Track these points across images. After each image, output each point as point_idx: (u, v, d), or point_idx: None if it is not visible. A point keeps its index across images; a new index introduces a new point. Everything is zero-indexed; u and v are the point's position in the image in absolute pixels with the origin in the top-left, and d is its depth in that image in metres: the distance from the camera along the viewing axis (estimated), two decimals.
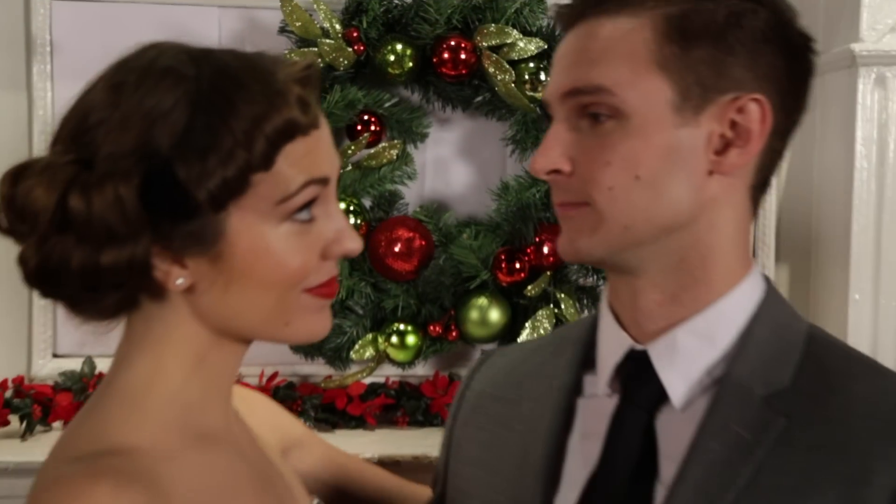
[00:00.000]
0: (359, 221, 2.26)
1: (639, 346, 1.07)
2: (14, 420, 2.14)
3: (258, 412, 1.16)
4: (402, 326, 2.29)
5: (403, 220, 2.32)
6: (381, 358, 2.30)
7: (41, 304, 2.30)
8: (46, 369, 2.29)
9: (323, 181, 0.97)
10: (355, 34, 2.23)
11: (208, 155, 0.89)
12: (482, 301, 2.24)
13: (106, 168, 0.89)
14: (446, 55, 2.22)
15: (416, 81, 2.33)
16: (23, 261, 0.93)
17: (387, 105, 2.31)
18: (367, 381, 2.31)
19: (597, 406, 1.11)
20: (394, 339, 2.28)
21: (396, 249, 2.27)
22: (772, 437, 1.01)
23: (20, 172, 0.91)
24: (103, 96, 0.92)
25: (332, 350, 2.29)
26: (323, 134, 0.98)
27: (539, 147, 1.04)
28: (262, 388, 2.24)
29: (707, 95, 1.00)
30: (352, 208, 2.25)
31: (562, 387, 1.13)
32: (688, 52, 0.99)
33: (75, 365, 2.27)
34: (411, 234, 2.28)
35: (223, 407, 1.03)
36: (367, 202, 2.33)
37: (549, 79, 1.09)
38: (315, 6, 2.21)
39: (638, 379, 1.08)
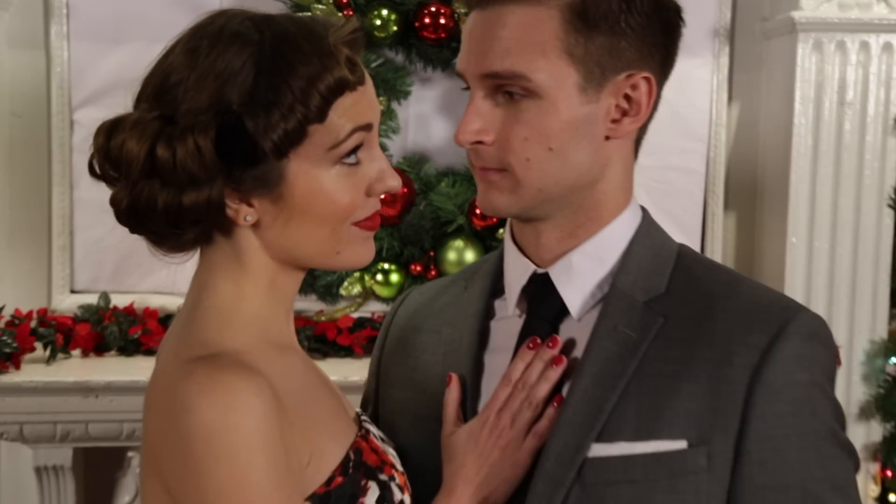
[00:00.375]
0: None
1: (540, 270, 1.20)
2: (39, 347, 2.37)
3: None
4: (386, 266, 2.52)
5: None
6: (368, 294, 2.53)
7: (60, 244, 2.55)
8: (65, 304, 2.53)
9: (367, 127, 1.06)
10: (345, 0, 2.43)
11: (272, 110, 0.99)
12: (459, 243, 2.48)
13: (186, 122, 0.99)
14: (427, 20, 2.43)
15: (399, 44, 2.52)
16: (115, 202, 1.04)
17: (373, 65, 2.51)
18: (355, 315, 2.54)
19: (507, 326, 1.23)
20: (379, 277, 2.52)
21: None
22: (652, 334, 1.15)
23: (114, 127, 1.01)
24: (181, 59, 1.02)
25: (324, 287, 2.52)
26: (367, 87, 1.07)
27: (462, 119, 1.15)
28: None
29: (606, 76, 1.13)
30: None
31: (475, 313, 1.25)
32: (590, 41, 1.11)
33: (91, 299, 2.51)
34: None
35: (289, 323, 1.14)
36: None
37: (462, 51, 1.18)
38: None
39: (541, 297, 1.21)
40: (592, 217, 1.18)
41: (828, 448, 1.11)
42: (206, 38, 1.01)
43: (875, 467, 2.69)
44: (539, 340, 1.16)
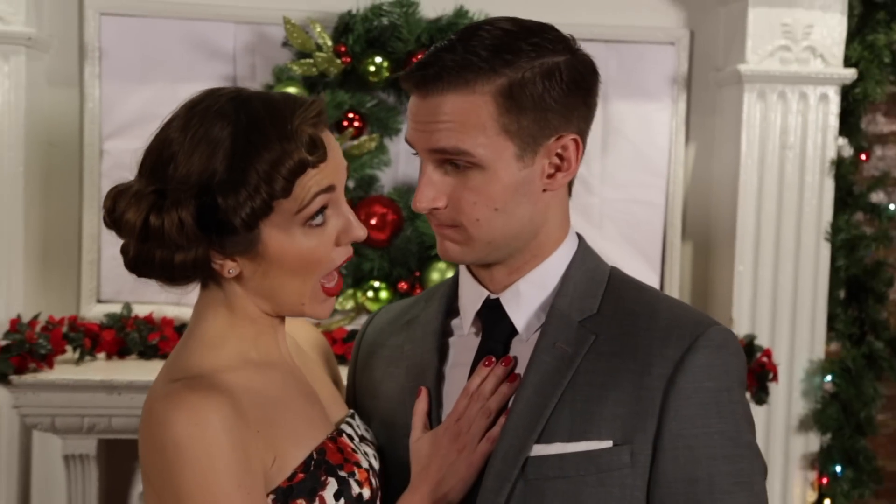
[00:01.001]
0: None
1: (493, 296, 1.28)
2: (69, 349, 2.59)
3: (302, 334, 1.38)
4: (377, 284, 2.73)
5: (379, 198, 2.74)
6: (360, 308, 2.74)
7: (88, 259, 2.76)
8: (92, 312, 2.75)
9: (330, 189, 1.14)
10: (343, 49, 2.68)
11: (240, 190, 1.10)
12: (441, 265, 2.69)
13: (173, 198, 1.10)
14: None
15: (391, 87, 2.76)
16: (123, 252, 1.16)
17: (368, 105, 2.75)
18: (349, 327, 2.74)
19: (464, 343, 1.30)
20: (370, 293, 2.73)
21: (373, 222, 2.70)
22: (585, 350, 1.22)
23: (118, 195, 1.14)
24: (175, 135, 1.13)
25: None
26: (331, 156, 1.15)
27: (417, 189, 1.22)
28: None
29: (538, 142, 1.20)
30: None
31: (434, 331, 1.32)
32: (521, 117, 1.18)
33: (115, 309, 2.73)
34: (385, 210, 2.71)
35: (275, 344, 1.24)
36: (350, 184, 2.74)
37: (409, 127, 1.24)
38: (311, 25, 2.66)
39: (494, 320, 1.28)
40: (536, 255, 1.26)
41: (732, 447, 1.17)
42: (196, 115, 1.12)
43: (813, 475, 2.86)
44: (494, 359, 1.24)
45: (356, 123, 2.73)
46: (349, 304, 2.75)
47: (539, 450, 1.19)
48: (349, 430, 1.27)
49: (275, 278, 1.17)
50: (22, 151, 2.63)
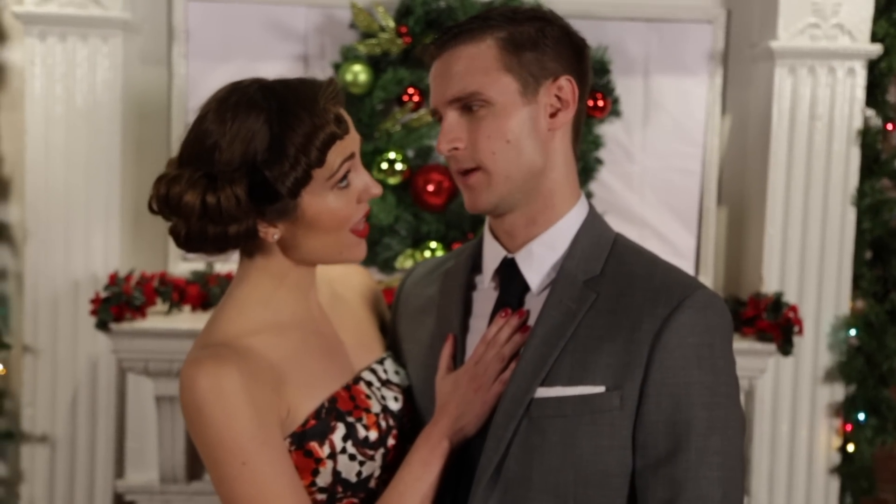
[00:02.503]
0: (403, 167, 2.89)
1: (509, 255, 1.37)
2: (159, 302, 2.82)
3: (347, 281, 1.50)
4: (433, 244, 2.91)
5: (436, 167, 2.92)
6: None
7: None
8: (179, 269, 2.99)
9: (351, 156, 1.28)
10: (404, 29, 2.88)
11: (283, 162, 1.21)
12: None
13: (225, 178, 1.21)
14: None
15: None
16: (174, 233, 1.26)
17: (426, 81, 2.74)
18: None
19: (485, 296, 1.41)
20: (427, 253, 2.90)
21: (430, 188, 2.89)
22: (587, 307, 1.31)
23: (171, 182, 1.23)
24: (213, 126, 1.23)
25: (383, 261, 2.96)
26: (350, 126, 1.28)
27: (439, 135, 1.33)
28: None
29: (538, 82, 1.32)
30: (399, 157, 2.89)
31: (460, 285, 1.43)
32: (521, 58, 1.31)
33: (199, 266, 2.96)
34: (441, 178, 2.89)
35: (304, 302, 1.35)
36: (410, 153, 2.94)
37: (431, 93, 1.36)
38: (375, 8, 2.88)
39: (510, 277, 1.38)
40: (548, 205, 1.35)
41: (709, 395, 1.26)
42: (229, 109, 1.23)
43: (838, 422, 2.99)
44: (510, 311, 1.34)
45: (415, 98, 2.91)
46: (408, 263, 2.93)
47: (542, 392, 1.29)
48: (370, 377, 1.39)
49: (313, 238, 1.30)
50: (119, 123, 2.86)
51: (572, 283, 1.33)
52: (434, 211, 2.94)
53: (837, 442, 3.02)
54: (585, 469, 1.28)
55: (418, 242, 2.97)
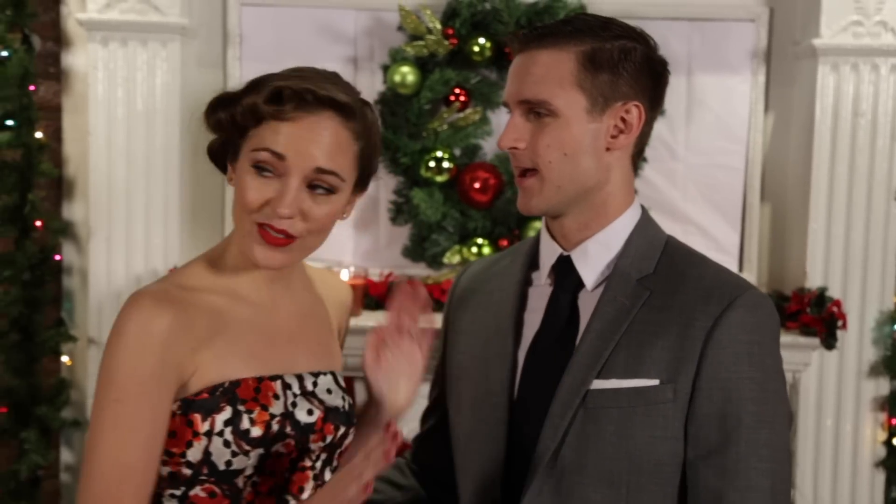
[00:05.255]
0: (450, 165, 2.96)
1: (565, 253, 1.41)
2: None
3: (339, 292, 1.50)
4: (480, 241, 2.98)
5: (482, 165, 2.99)
6: (465, 263, 2.93)
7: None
8: None
9: (279, 156, 1.25)
10: (451, 31, 2.95)
11: (235, 103, 1.31)
12: (537, 224, 2.90)
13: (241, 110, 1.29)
14: None
15: (493, 64, 3.01)
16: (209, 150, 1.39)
17: (472, 82, 2.99)
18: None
19: (540, 292, 1.44)
20: (474, 249, 2.97)
21: (477, 186, 2.96)
22: (641, 303, 1.35)
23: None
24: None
25: (431, 257, 3.03)
26: (298, 132, 1.25)
27: (504, 131, 1.36)
28: (382, 283, 2.99)
29: (607, 104, 1.34)
30: (446, 156, 2.95)
31: (518, 281, 1.46)
32: (595, 78, 1.33)
33: None
34: (487, 175, 2.96)
35: (266, 283, 1.35)
36: (457, 152, 3.01)
37: (507, 86, 1.39)
38: (422, 11, 2.95)
39: (565, 273, 1.42)
40: (600, 213, 1.40)
41: (759, 391, 1.31)
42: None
43: (883, 416, 2.99)
44: (415, 282, 1.42)
45: (462, 98, 2.98)
46: (456, 259, 3.00)
47: (598, 384, 1.33)
48: (291, 381, 1.34)
49: (236, 206, 1.30)
50: (177, 125, 2.96)
51: (626, 281, 1.37)
52: (480, 208, 3.01)
53: (883, 436, 3.03)
54: (639, 458, 1.32)
55: (465, 239, 3.04)
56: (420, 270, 3.09)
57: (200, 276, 1.35)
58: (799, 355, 2.85)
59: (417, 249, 3.07)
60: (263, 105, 1.26)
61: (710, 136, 3.10)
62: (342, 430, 1.38)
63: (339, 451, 1.39)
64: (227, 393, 1.29)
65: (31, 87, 2.91)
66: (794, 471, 2.98)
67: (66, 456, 3.19)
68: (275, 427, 1.31)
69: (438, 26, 2.96)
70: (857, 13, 2.87)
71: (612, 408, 1.33)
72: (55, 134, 3.12)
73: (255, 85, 1.30)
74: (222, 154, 1.35)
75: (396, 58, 3.00)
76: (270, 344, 1.35)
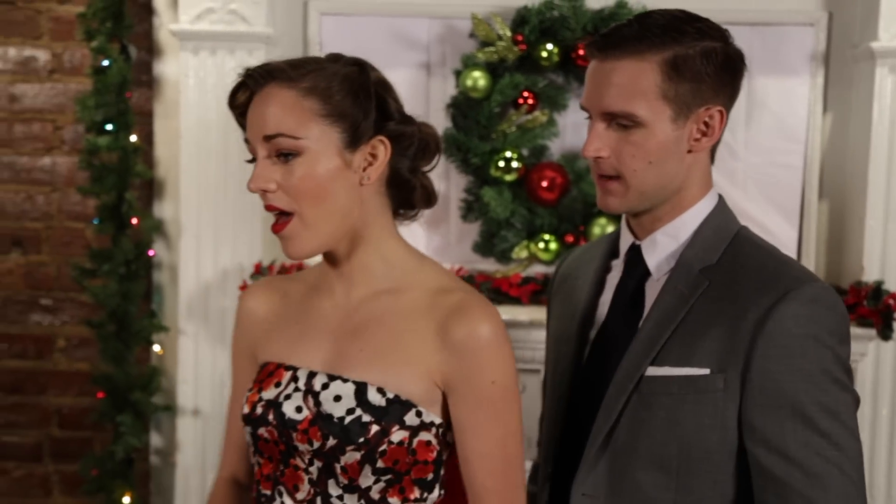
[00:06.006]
0: (519, 165, 3.07)
1: (637, 242, 1.45)
2: None
3: (435, 320, 1.33)
4: (547, 237, 3.08)
5: (549, 164, 3.10)
6: (533, 258, 3.12)
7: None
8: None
9: (247, 141, 1.34)
10: (520, 38, 3.06)
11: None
12: (602, 220, 3.03)
13: None
14: (581, 51, 3.00)
15: (560, 69, 3.12)
16: None
17: (540, 85, 3.09)
18: (523, 273, 3.12)
19: (615, 278, 1.48)
20: (541, 245, 3.08)
21: (544, 184, 3.07)
22: (699, 293, 1.36)
23: None
24: None
25: (500, 252, 3.14)
26: (250, 114, 1.32)
27: (587, 140, 1.37)
28: None
29: (690, 111, 1.35)
30: (515, 156, 3.06)
31: (596, 269, 1.51)
32: (679, 86, 1.33)
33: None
34: (554, 174, 3.06)
35: (327, 277, 1.41)
36: (525, 152, 3.12)
37: (586, 91, 1.38)
38: (493, 19, 3.07)
39: (634, 262, 1.45)
40: (676, 207, 1.42)
41: (813, 382, 1.28)
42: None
43: None
44: None
45: (530, 101, 3.09)
46: (524, 254, 3.11)
47: (652, 371, 1.35)
48: (300, 376, 1.36)
49: None
50: None
51: (688, 271, 1.38)
52: (547, 205, 3.12)
53: None
54: (688, 444, 1.33)
55: (532, 235, 3.14)
56: (489, 265, 3.20)
57: (312, 269, 1.47)
58: (856, 346, 2.88)
59: (487, 245, 3.18)
60: (231, 107, 1.37)
61: (770, 137, 3.18)
62: (332, 441, 1.31)
63: (339, 464, 1.32)
64: (259, 372, 1.42)
65: (128, 95, 3.08)
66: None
67: (155, 439, 3.38)
68: (258, 410, 1.35)
69: (508, 33, 3.07)
70: None
71: (663, 394, 1.34)
72: (147, 137, 3.30)
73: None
74: None
75: (468, 63, 3.11)
76: (303, 335, 1.40)
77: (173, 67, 3.26)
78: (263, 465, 1.40)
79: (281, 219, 1.32)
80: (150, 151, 3.31)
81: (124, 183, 3.10)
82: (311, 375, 1.36)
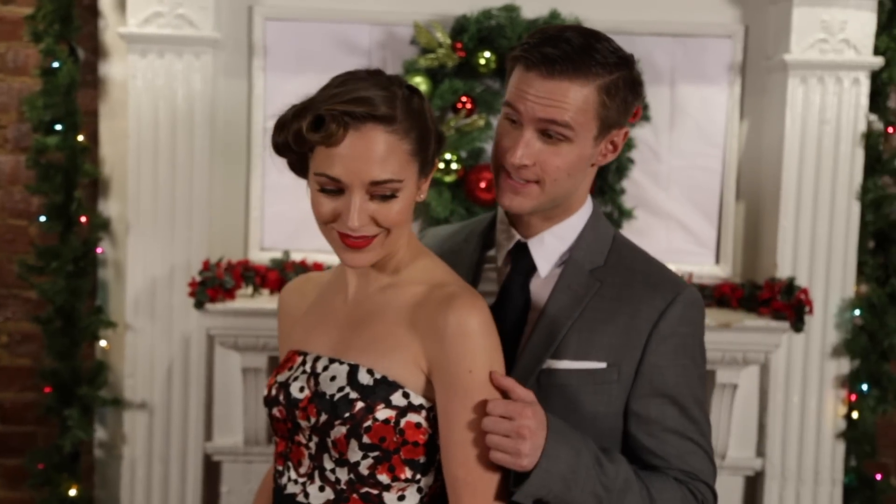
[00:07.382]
0: (458, 167, 3.18)
1: (523, 240, 1.47)
2: (243, 285, 3.13)
3: (426, 317, 1.35)
4: None
5: (487, 166, 3.17)
6: None
7: (255, 215, 3.28)
8: (258, 257, 3.28)
9: (334, 180, 1.31)
10: (459, 45, 3.17)
11: (285, 127, 1.36)
12: None
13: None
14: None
15: (497, 75, 3.24)
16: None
17: (477, 91, 3.20)
18: None
19: (496, 272, 1.51)
20: None
21: (482, 185, 3.17)
22: (592, 293, 1.42)
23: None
24: None
25: None
26: (345, 152, 1.29)
27: (514, 148, 1.37)
28: None
29: (609, 131, 1.42)
30: (454, 158, 3.17)
31: (473, 262, 1.52)
32: (607, 111, 1.39)
33: (276, 254, 3.25)
34: (492, 176, 3.04)
35: (343, 277, 1.46)
36: (463, 154, 3.22)
37: (523, 95, 1.36)
38: (433, 26, 3.17)
39: (521, 259, 1.47)
40: (566, 210, 1.48)
41: (689, 377, 1.42)
42: None
43: (843, 393, 3.25)
44: None
45: (468, 106, 3.20)
46: None
47: (551, 364, 1.41)
48: (309, 360, 1.43)
49: None
50: (208, 129, 3.17)
51: (580, 272, 1.45)
52: (485, 205, 3.21)
53: (843, 410, 3.26)
54: (584, 431, 1.38)
55: None
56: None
57: (340, 266, 1.50)
58: (770, 338, 3.10)
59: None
60: (308, 133, 1.30)
61: (691, 141, 3.33)
62: (324, 416, 1.36)
63: (330, 440, 1.36)
64: (282, 359, 1.48)
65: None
66: (763, 442, 3.28)
67: (99, 433, 3.41)
68: (273, 392, 1.42)
69: (448, 41, 3.18)
70: (823, 31, 3.12)
71: (563, 385, 1.40)
72: (92, 137, 3.33)
73: (300, 111, 1.33)
74: (299, 166, 1.41)
75: (409, 69, 3.21)
76: (317, 325, 1.47)
77: (119, 69, 3.29)
78: (278, 443, 1.46)
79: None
80: (95, 151, 3.34)
81: (73, 182, 3.14)
82: (316, 359, 1.42)
